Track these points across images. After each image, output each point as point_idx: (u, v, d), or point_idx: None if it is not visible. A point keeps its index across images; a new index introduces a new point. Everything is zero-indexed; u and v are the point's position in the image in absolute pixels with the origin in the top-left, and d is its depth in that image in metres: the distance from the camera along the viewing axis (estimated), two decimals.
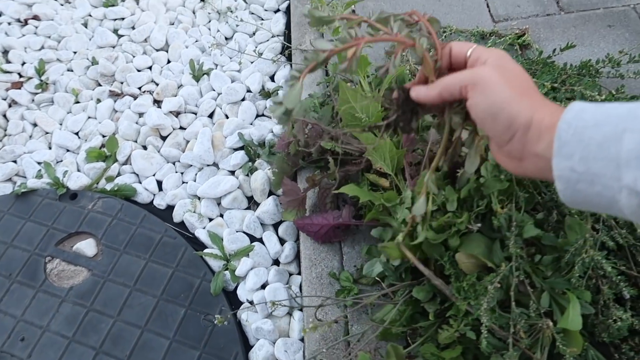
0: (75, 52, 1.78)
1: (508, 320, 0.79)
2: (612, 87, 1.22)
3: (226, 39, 1.79)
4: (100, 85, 1.70)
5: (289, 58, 1.62)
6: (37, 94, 1.67)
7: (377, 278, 1.05)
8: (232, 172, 1.44)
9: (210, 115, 1.59)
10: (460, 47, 0.57)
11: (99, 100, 1.64)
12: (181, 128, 1.57)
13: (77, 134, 1.58)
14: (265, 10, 1.83)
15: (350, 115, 1.17)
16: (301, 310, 1.14)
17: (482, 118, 0.51)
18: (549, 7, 1.55)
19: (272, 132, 1.47)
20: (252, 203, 1.39)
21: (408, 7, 1.60)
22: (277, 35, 1.71)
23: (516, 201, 0.87)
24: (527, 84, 0.51)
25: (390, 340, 0.98)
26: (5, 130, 1.59)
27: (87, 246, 1.31)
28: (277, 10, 1.83)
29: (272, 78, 1.63)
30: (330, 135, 1.21)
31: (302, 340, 1.12)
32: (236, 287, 1.25)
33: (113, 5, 1.90)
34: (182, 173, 1.47)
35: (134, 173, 1.48)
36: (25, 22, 1.86)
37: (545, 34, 1.49)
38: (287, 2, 1.81)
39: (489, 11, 1.57)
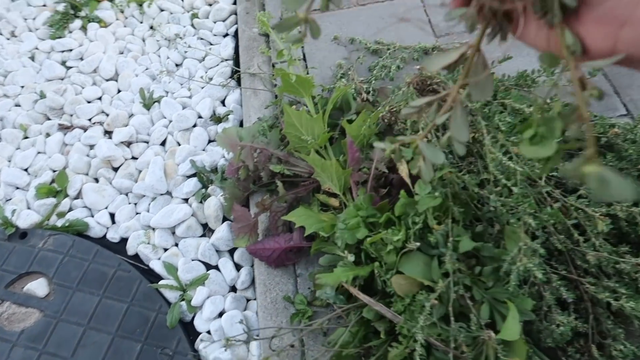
0: (22, 87, 1.75)
1: (449, 334, 0.81)
2: (549, 96, 1.26)
3: (176, 65, 1.79)
4: (49, 119, 1.67)
5: (239, 82, 1.63)
6: None
7: (329, 301, 1.06)
8: (186, 200, 1.43)
9: (163, 144, 1.58)
10: None
11: (48, 135, 1.61)
12: (133, 158, 1.55)
13: (26, 170, 1.55)
14: (214, 35, 1.84)
15: (297, 138, 1.19)
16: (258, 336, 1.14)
17: None
18: None
19: (224, 157, 1.47)
20: (207, 230, 1.39)
21: (353, 28, 1.63)
22: (227, 60, 1.72)
23: (453, 216, 0.89)
24: None
25: None
26: None
27: (38, 286, 1.28)
28: (226, 35, 1.84)
29: (222, 102, 1.64)
30: (279, 158, 1.22)
31: None
32: (193, 318, 1.23)
33: (60, 37, 1.88)
34: (135, 204, 1.46)
35: (86, 207, 1.45)
36: None
37: (485, 47, 1.53)
38: (235, 26, 1.82)
39: (431, 27, 1.61)
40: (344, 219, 1.02)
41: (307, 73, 1.51)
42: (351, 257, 1.03)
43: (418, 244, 0.85)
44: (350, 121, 1.20)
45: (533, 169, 0.98)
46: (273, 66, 1.55)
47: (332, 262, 1.09)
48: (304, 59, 1.58)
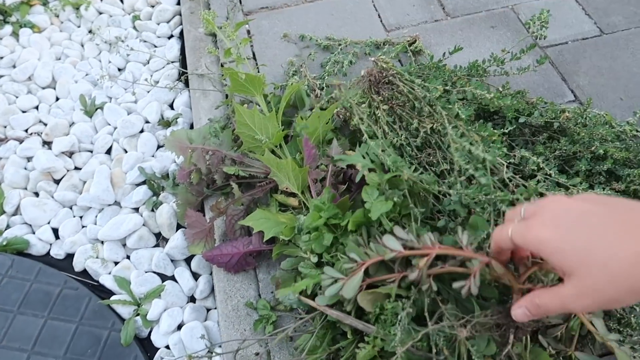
0: None
1: (425, 336, 0.78)
2: (499, 84, 1.27)
3: (119, 70, 1.70)
4: None
5: (187, 83, 1.56)
6: None
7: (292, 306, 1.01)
8: (136, 209, 1.35)
9: (108, 152, 1.49)
10: (499, 233, 0.56)
11: None
12: (76, 168, 1.46)
13: None
14: (158, 37, 1.76)
15: (250, 137, 1.14)
16: (221, 349, 1.08)
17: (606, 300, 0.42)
18: (436, 14, 1.61)
19: (175, 162, 1.40)
20: (160, 239, 1.31)
21: (303, 24, 1.60)
22: (173, 62, 1.65)
23: (414, 215, 0.87)
24: (625, 207, 0.42)
25: None
26: None
27: None
28: (171, 36, 1.76)
29: (171, 106, 1.57)
30: (233, 159, 1.17)
31: None
32: (150, 333, 1.16)
33: None
34: (81, 217, 1.36)
35: (26, 223, 1.35)
36: None
37: (436, 39, 1.54)
38: (180, 27, 1.75)
39: (381, 21, 1.60)
40: (307, 224, 0.98)
41: (258, 72, 1.46)
42: (314, 258, 0.99)
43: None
44: (304, 118, 1.16)
45: (495, 156, 0.97)
46: (222, 66, 1.49)
47: (294, 265, 1.04)
48: (254, 57, 1.53)
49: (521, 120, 1.16)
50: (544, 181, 0.97)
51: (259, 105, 1.22)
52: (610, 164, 1.05)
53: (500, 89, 1.20)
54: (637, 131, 1.20)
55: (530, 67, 1.26)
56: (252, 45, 1.56)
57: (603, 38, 1.51)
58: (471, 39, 1.53)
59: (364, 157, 0.97)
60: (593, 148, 1.06)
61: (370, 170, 0.96)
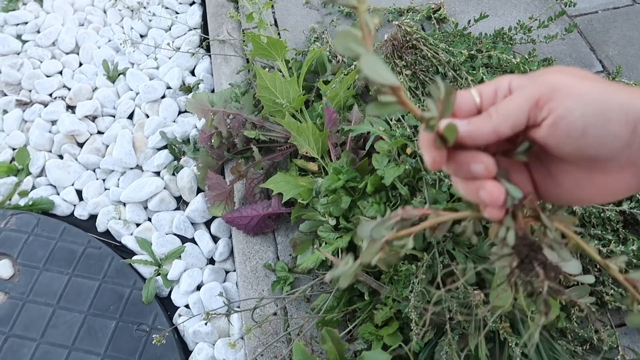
0: None
1: (440, 300, 0.79)
2: (525, 52, 1.24)
3: (141, 36, 1.70)
4: (5, 95, 1.57)
5: (208, 49, 1.56)
6: None
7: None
8: (158, 173, 1.37)
9: (130, 117, 1.50)
10: (462, 98, 0.38)
11: (5, 112, 1.52)
12: (99, 133, 1.48)
13: None
14: (180, 3, 1.75)
15: (271, 102, 1.14)
16: (239, 308, 1.10)
17: (582, 127, 0.33)
18: None
19: (196, 127, 1.40)
20: (181, 203, 1.33)
21: None
22: (194, 28, 1.64)
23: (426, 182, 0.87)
24: (602, 78, 0.36)
25: (331, 327, 0.96)
26: None
27: (2, 268, 1.20)
28: (193, 2, 1.76)
29: (192, 72, 1.57)
30: (253, 123, 1.17)
31: (243, 338, 1.08)
32: (170, 292, 1.18)
33: (14, 10, 1.77)
34: (104, 180, 1.39)
35: (51, 185, 1.38)
36: None
37: (461, 7, 1.50)
38: None
39: None
40: (326, 187, 0.98)
41: (280, 37, 1.45)
42: (332, 221, 1.00)
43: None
44: (326, 82, 1.16)
45: None
46: (243, 32, 1.48)
47: (312, 228, 1.05)
48: (276, 24, 1.52)
49: None
50: None
51: (281, 71, 1.22)
52: None
53: (527, 57, 1.18)
54: None
55: (558, 36, 1.23)
56: (273, 12, 1.54)
57: (635, 7, 1.46)
58: (497, 7, 1.49)
59: (372, 126, 0.97)
60: None
61: (380, 138, 0.95)
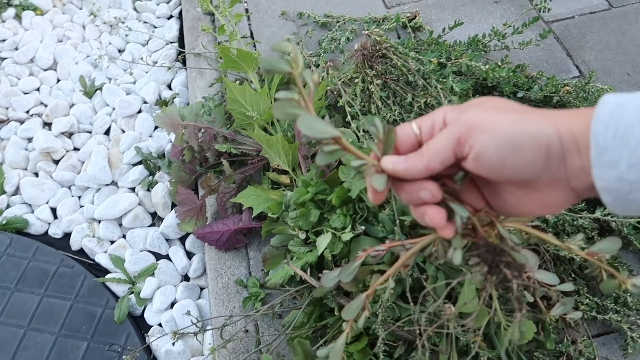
0: None
1: (409, 314, 0.77)
2: (500, 59, 1.23)
3: (119, 51, 1.69)
4: None
5: (184, 63, 1.55)
6: None
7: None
8: (133, 189, 1.35)
9: (107, 132, 1.49)
10: (402, 132, 0.43)
11: None
12: (75, 149, 1.46)
13: None
14: (158, 17, 1.75)
15: (242, 114, 1.13)
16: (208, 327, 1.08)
17: (499, 160, 0.37)
18: None
19: (171, 142, 1.39)
20: (156, 219, 1.31)
21: (301, 1, 1.57)
22: (171, 42, 1.64)
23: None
24: (520, 106, 0.39)
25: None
26: None
27: None
28: (170, 17, 1.75)
29: (169, 86, 1.56)
30: (225, 136, 1.16)
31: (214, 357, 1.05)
32: (144, 311, 1.16)
33: None
34: (79, 197, 1.37)
35: (25, 203, 1.36)
36: None
37: (437, 15, 1.50)
38: (180, 7, 1.74)
39: None
40: (295, 200, 0.97)
41: (255, 50, 1.44)
42: (302, 235, 0.98)
43: (363, 227, 0.81)
44: None
45: None
46: (218, 44, 1.47)
47: (283, 242, 1.03)
48: (252, 36, 1.51)
49: (520, 94, 1.13)
50: None
51: (252, 82, 1.21)
52: None
53: (499, 63, 1.17)
54: None
55: (532, 41, 1.22)
56: (249, 24, 1.54)
57: (612, 12, 1.45)
58: (474, 14, 1.49)
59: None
60: None
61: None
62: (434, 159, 0.40)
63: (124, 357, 1.05)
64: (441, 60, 1.09)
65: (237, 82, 1.26)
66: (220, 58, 1.44)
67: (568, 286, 0.85)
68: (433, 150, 0.40)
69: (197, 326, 0.96)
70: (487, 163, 0.37)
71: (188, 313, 0.96)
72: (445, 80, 1.05)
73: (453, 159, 0.39)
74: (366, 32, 1.11)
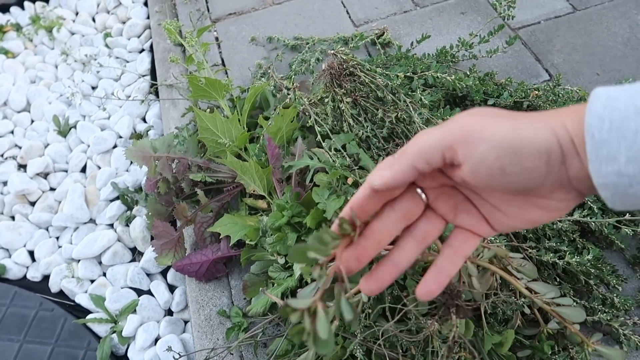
0: None
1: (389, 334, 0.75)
2: (469, 68, 1.24)
3: (93, 88, 1.69)
4: None
5: (157, 95, 1.54)
6: None
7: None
8: (111, 225, 1.33)
9: (83, 170, 1.47)
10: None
11: None
12: (51, 189, 1.44)
13: None
14: (129, 51, 1.75)
15: (214, 142, 1.12)
16: None
17: (500, 168, 0.36)
18: (404, 5, 1.58)
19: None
20: (136, 254, 1.29)
21: (271, 27, 1.58)
22: (144, 75, 1.63)
23: None
24: (510, 113, 0.38)
25: None
26: None
27: None
28: (142, 50, 1.75)
29: (143, 119, 1.55)
30: (199, 166, 1.15)
31: None
32: (127, 350, 1.13)
33: None
34: (57, 237, 1.34)
35: (2, 248, 1.33)
36: None
37: (405, 30, 1.51)
38: (151, 40, 1.74)
39: (349, 17, 1.58)
40: (271, 225, 0.95)
41: (227, 77, 1.44)
42: (281, 260, 0.96)
43: None
44: (267, 118, 1.14)
45: None
46: (188, 75, 1.47)
47: (263, 268, 1.01)
48: (223, 63, 1.51)
49: (490, 102, 1.13)
50: None
51: (222, 108, 1.20)
52: None
53: (467, 73, 1.17)
54: None
55: (499, 49, 1.23)
56: (220, 52, 1.54)
57: (576, 15, 1.47)
58: (441, 26, 1.50)
59: (311, 159, 0.95)
60: None
61: (319, 170, 0.93)
62: (419, 158, 0.38)
63: None
64: (408, 74, 1.09)
65: (209, 110, 1.26)
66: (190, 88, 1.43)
67: (567, 300, 0.84)
68: (419, 147, 0.38)
69: None
70: (488, 173, 0.36)
71: (169, 349, 0.93)
72: (413, 93, 1.05)
73: (440, 162, 0.38)
74: (332, 52, 1.11)
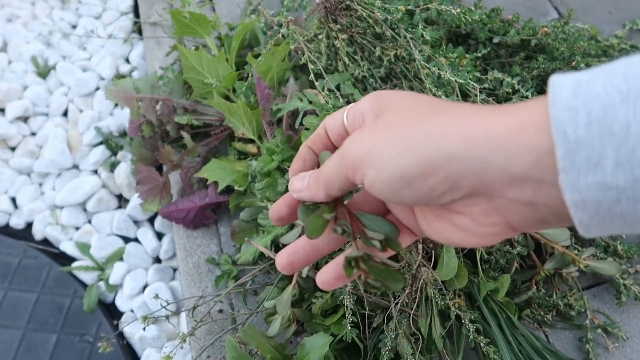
0: None
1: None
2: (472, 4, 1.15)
3: (73, 27, 1.59)
4: None
5: (141, 34, 1.45)
6: None
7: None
8: (95, 172, 1.28)
9: (65, 114, 1.40)
10: (333, 118, 0.41)
11: None
12: (32, 134, 1.38)
13: None
14: None
15: (200, 82, 1.05)
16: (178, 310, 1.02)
17: (391, 192, 0.33)
18: None
19: None
20: (122, 201, 1.24)
21: None
22: (126, 13, 1.53)
23: None
24: (433, 111, 0.33)
25: None
26: None
27: None
28: None
29: (127, 60, 1.46)
30: (185, 108, 1.08)
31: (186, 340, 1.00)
32: (115, 297, 1.11)
33: None
34: (40, 184, 1.29)
35: None
36: None
37: None
38: None
39: None
40: (260, 169, 0.90)
41: (215, 13, 1.35)
42: (270, 206, 0.92)
43: None
44: (257, 56, 1.06)
45: (466, 79, 0.88)
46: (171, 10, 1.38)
47: (253, 215, 0.97)
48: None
49: (495, 40, 1.06)
50: None
51: (208, 47, 1.12)
52: None
53: (473, 7, 1.09)
54: (625, 44, 1.09)
55: None
56: None
57: None
58: None
59: (301, 101, 0.88)
60: (574, 63, 0.96)
61: (309, 113, 0.87)
62: (330, 187, 0.37)
63: (98, 344, 1.00)
64: (409, 7, 1.01)
65: (194, 48, 1.17)
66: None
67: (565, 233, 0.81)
68: (327, 179, 0.37)
69: (167, 310, 0.90)
70: (382, 194, 0.33)
71: (156, 296, 0.90)
72: (415, 29, 0.97)
73: (351, 185, 0.37)
74: None
